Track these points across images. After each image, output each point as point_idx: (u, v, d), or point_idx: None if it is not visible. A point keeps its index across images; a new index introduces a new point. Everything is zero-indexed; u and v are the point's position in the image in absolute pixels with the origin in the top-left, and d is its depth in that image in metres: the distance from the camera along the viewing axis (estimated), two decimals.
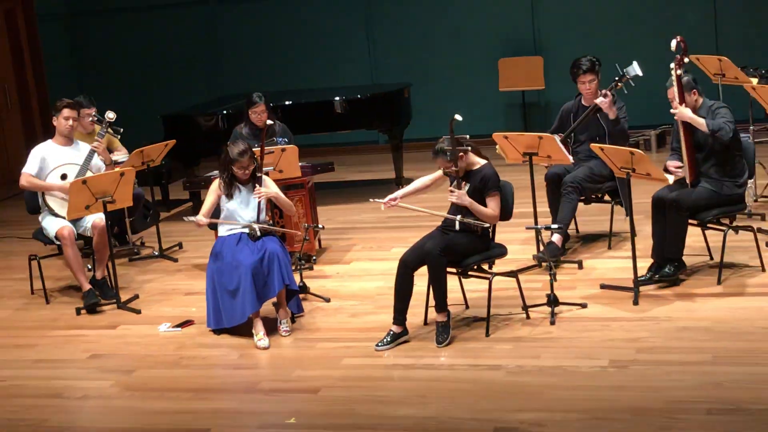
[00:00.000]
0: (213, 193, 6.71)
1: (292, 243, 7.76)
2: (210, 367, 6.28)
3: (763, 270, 6.80)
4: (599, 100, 7.35)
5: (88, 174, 7.51)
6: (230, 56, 12.98)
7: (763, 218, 7.88)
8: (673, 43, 6.79)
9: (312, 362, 6.11)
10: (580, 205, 7.59)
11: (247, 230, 6.58)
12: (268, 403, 5.63)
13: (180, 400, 5.75)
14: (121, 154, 8.67)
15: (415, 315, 6.36)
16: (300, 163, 7.99)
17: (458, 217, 6.21)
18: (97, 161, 7.75)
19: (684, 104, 6.66)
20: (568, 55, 11.22)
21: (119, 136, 8.73)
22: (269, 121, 7.55)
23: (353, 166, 11.66)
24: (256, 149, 6.96)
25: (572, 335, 6.10)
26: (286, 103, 10.00)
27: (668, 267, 6.71)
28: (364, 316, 6.79)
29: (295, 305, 6.76)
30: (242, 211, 6.67)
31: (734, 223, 6.86)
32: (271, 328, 6.57)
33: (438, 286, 6.11)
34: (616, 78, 7.41)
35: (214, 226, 6.88)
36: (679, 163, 6.73)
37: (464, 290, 6.71)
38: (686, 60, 6.79)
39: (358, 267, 7.92)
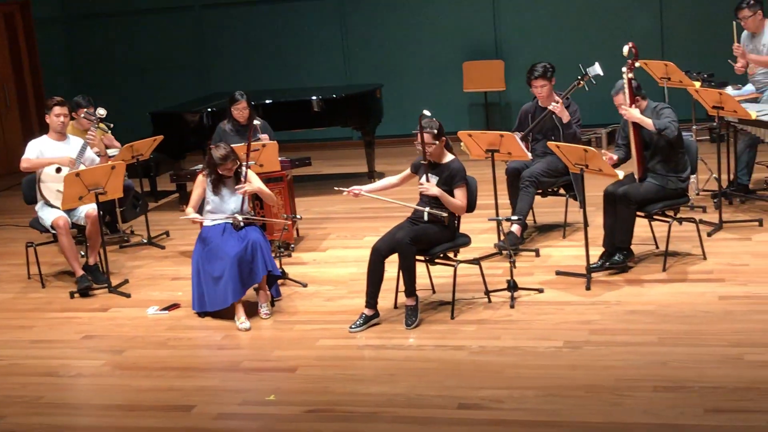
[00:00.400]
0: (199, 186, 6.64)
1: (272, 232, 7.69)
2: (195, 347, 6.22)
3: (705, 258, 6.81)
4: (552, 106, 7.34)
5: (81, 167, 7.42)
6: (215, 58, 12.87)
7: (704, 210, 7.89)
8: (626, 49, 6.79)
9: (290, 343, 6.06)
10: (537, 197, 7.59)
11: (230, 221, 6.52)
12: (249, 381, 5.58)
13: (167, 378, 5.68)
14: (114, 149, 8.60)
15: (385, 299, 6.32)
16: (279, 158, 7.93)
17: (426, 208, 6.17)
18: (90, 154, 7.65)
19: (633, 105, 6.66)
20: (527, 59, 11.24)
21: (109, 132, 8.65)
22: (256, 121, 7.49)
23: (329, 161, 11.59)
24: (240, 146, 6.91)
25: (530, 318, 6.08)
26: (267, 101, 9.91)
27: (618, 255, 6.72)
28: (339, 300, 6.74)
29: (274, 290, 6.71)
30: (227, 202, 6.60)
31: (678, 215, 6.87)
32: (252, 310, 6.51)
33: (408, 272, 6.07)
34: (579, 77, 7.39)
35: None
36: (610, 155, 6.72)
37: (431, 276, 6.67)
38: (637, 65, 6.80)
39: (333, 254, 7.87)
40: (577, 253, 7.08)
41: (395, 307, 6.42)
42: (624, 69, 6.67)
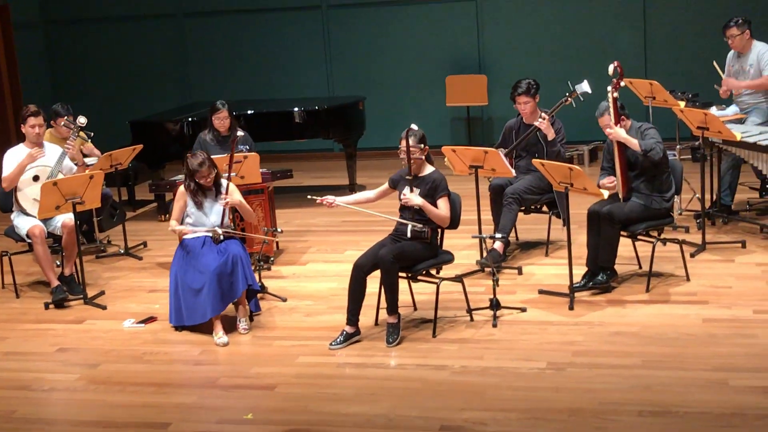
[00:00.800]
0: (180, 198, 6.53)
1: (252, 244, 7.59)
2: (171, 362, 6.10)
3: (688, 279, 6.76)
4: (538, 122, 7.30)
5: (59, 175, 7.30)
6: (197, 67, 12.75)
7: (687, 231, 7.86)
8: (611, 68, 6.76)
9: (269, 359, 5.95)
10: (520, 214, 7.52)
11: (210, 234, 6.41)
12: (227, 399, 5.45)
13: (142, 394, 5.56)
14: (93, 158, 8.47)
15: (366, 315, 6.22)
16: (261, 170, 7.84)
17: (410, 224, 6.09)
18: (68, 162, 7.53)
19: (618, 125, 6.62)
20: (510, 74, 11.26)
21: (90, 140, 8.53)
22: (240, 133, 7.39)
23: (309, 172, 11.49)
24: (222, 157, 6.81)
25: (513, 337, 6.01)
26: (249, 112, 9.82)
27: (601, 275, 6.67)
28: (318, 316, 6.64)
29: (253, 304, 6.61)
30: (208, 215, 6.50)
31: (662, 236, 6.82)
32: (230, 325, 6.40)
33: (390, 290, 5.98)
34: (567, 93, 7.35)
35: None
36: (611, 179, 6.67)
37: (413, 293, 6.59)
38: (622, 84, 6.76)
39: (313, 268, 7.77)
40: (560, 272, 7.02)
41: (376, 324, 6.33)
42: (609, 88, 6.63)
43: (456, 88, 11.70)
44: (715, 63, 8.32)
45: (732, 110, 8.20)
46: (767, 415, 4.76)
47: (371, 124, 10.81)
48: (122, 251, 8.41)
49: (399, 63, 12.14)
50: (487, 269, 7.09)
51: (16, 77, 12.73)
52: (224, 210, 6.51)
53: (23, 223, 7.24)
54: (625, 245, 6.83)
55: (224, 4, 12.53)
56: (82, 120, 7.65)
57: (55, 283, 7.19)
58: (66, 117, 8.03)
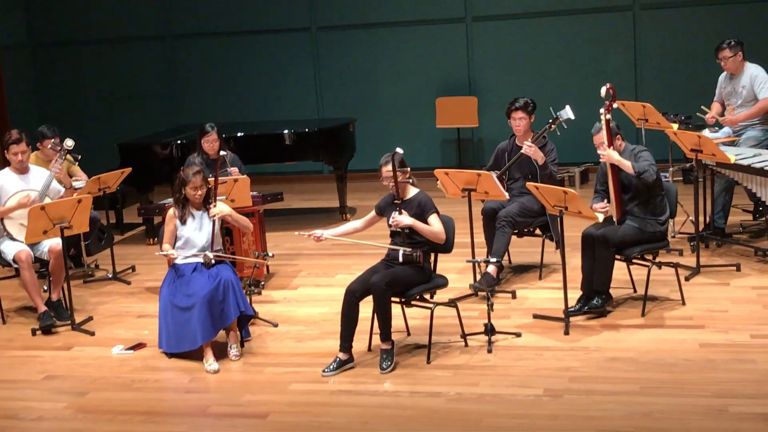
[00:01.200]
0: (170, 222, 6.44)
1: (242, 268, 7.50)
2: (161, 390, 5.99)
3: (683, 303, 6.70)
4: (524, 149, 7.25)
5: (47, 199, 7.20)
6: (186, 89, 12.68)
7: (681, 254, 7.81)
8: (603, 90, 6.72)
9: (261, 387, 5.85)
10: (513, 237, 7.46)
11: (201, 259, 6.32)
12: (218, 428, 5.35)
13: (132, 423, 5.45)
14: (80, 181, 8.37)
15: (359, 341, 6.14)
16: (251, 193, 7.76)
17: (401, 249, 6.02)
18: (55, 185, 7.44)
19: (612, 147, 6.57)
20: (500, 96, 11.27)
21: (77, 163, 8.44)
22: (222, 152, 7.32)
23: (299, 195, 11.42)
24: (210, 179, 6.72)
25: (508, 363, 5.93)
26: (239, 134, 9.74)
27: (596, 299, 6.60)
28: (311, 341, 6.55)
29: (244, 330, 6.51)
30: (197, 236, 6.41)
31: (657, 259, 6.77)
32: (221, 351, 6.30)
33: (383, 317, 5.90)
34: (550, 120, 7.32)
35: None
36: (604, 204, 6.62)
37: (406, 318, 6.50)
38: (614, 106, 6.72)
39: (305, 293, 7.68)
40: (554, 296, 6.96)
41: (369, 349, 6.24)
42: (602, 110, 6.59)
43: (446, 109, 11.67)
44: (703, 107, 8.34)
45: (724, 132, 8.18)
46: None
47: (361, 146, 10.75)
48: (110, 276, 8.30)
49: (389, 85, 12.11)
50: (481, 293, 7.02)
51: (2, 100, 12.62)
52: (213, 228, 6.42)
53: (9, 248, 7.13)
54: (619, 268, 6.77)
55: (213, 27, 12.47)
56: (69, 143, 7.56)
57: (43, 308, 7.09)
58: (53, 139, 7.94)
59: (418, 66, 11.98)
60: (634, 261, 6.76)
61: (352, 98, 12.18)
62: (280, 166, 10.75)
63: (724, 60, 8.04)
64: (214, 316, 6.15)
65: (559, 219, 6.42)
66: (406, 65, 12.01)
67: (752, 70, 8.02)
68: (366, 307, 6.05)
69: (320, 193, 11.49)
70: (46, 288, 7.49)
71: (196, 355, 6.23)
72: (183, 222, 6.39)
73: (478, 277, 7.23)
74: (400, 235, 6.09)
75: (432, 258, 6.22)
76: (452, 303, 6.36)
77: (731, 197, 8.11)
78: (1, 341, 6.96)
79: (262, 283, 7.82)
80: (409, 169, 6.15)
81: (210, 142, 8.08)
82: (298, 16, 12.22)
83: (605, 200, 6.70)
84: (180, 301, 6.23)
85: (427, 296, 6.21)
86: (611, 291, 6.65)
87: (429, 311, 6.10)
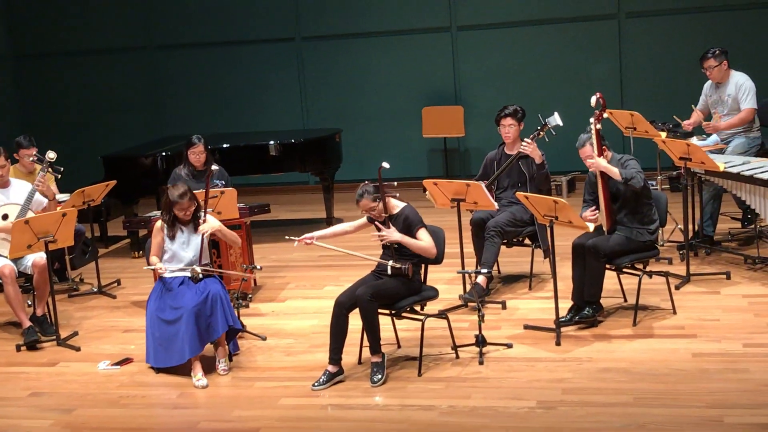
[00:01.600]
0: (157, 234, 6.36)
1: (229, 281, 7.42)
2: (149, 406, 5.89)
3: (674, 313, 6.67)
4: (522, 147, 7.22)
5: (30, 213, 7.10)
6: (170, 100, 12.60)
7: (670, 262, 7.79)
8: (593, 100, 6.70)
9: (250, 402, 5.76)
10: (502, 247, 7.41)
11: (189, 273, 6.24)
12: None
13: None
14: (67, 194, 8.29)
15: (349, 353, 6.07)
16: (238, 205, 7.68)
17: (390, 262, 5.95)
18: (38, 197, 7.34)
19: (601, 156, 6.54)
20: (486, 105, 11.26)
21: (60, 176, 8.32)
22: (214, 167, 7.25)
23: (285, 206, 11.34)
24: (199, 192, 6.66)
25: (500, 375, 5.87)
26: (224, 146, 9.67)
27: (587, 309, 6.56)
28: (300, 355, 6.47)
29: (232, 344, 6.43)
30: (185, 251, 6.33)
31: (647, 268, 6.73)
32: (209, 366, 6.22)
33: (371, 330, 5.83)
34: (539, 127, 7.29)
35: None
36: (592, 210, 6.59)
37: (396, 330, 6.44)
38: (604, 115, 6.69)
39: (293, 305, 7.60)
40: (544, 306, 6.92)
41: (359, 362, 6.17)
42: (591, 120, 6.56)
43: (432, 119, 11.63)
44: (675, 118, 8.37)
45: (713, 140, 8.17)
46: None
47: (347, 156, 10.69)
48: (95, 289, 8.20)
49: (374, 95, 12.06)
50: (471, 304, 6.97)
51: None
52: (202, 244, 6.34)
53: None
54: (609, 278, 6.73)
55: (196, 37, 12.39)
56: (51, 155, 7.46)
57: (27, 324, 6.98)
58: (29, 149, 7.84)
59: (404, 76, 11.95)
60: (624, 270, 6.73)
61: (337, 109, 12.12)
62: (265, 177, 10.67)
63: (709, 69, 8.03)
64: (201, 330, 6.07)
65: (549, 229, 6.38)
66: (392, 75, 11.97)
67: (738, 78, 8.02)
68: (356, 320, 5.98)
69: (307, 204, 11.42)
70: (30, 303, 7.38)
71: (184, 370, 6.14)
72: (172, 239, 6.31)
73: (468, 287, 7.18)
74: (391, 248, 6.03)
75: (422, 269, 6.16)
76: (443, 314, 6.30)
77: (719, 205, 8.09)
78: None
79: (250, 296, 7.74)
80: (386, 195, 6.04)
81: (196, 154, 8.01)
82: (282, 26, 12.17)
83: (594, 208, 6.67)
84: (167, 315, 6.15)
85: (417, 308, 6.14)
86: (602, 301, 6.61)
87: (418, 323, 6.04)
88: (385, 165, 5.99)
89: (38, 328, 7.04)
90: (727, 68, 8.03)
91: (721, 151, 8.01)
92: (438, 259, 6.17)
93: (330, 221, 10.06)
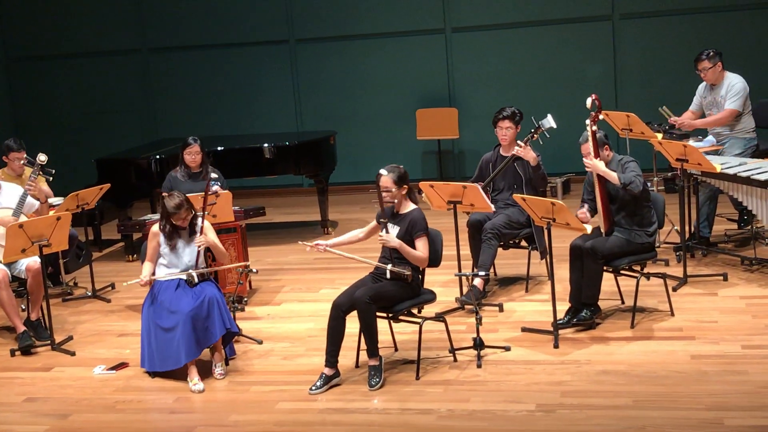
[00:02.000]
0: (153, 239, 6.32)
1: (225, 285, 7.38)
2: (145, 411, 5.85)
3: (672, 314, 6.65)
4: (515, 150, 7.20)
5: (22, 217, 7.05)
6: (163, 103, 12.55)
7: (667, 264, 7.77)
8: (589, 101, 6.67)
9: (247, 406, 5.72)
10: (499, 249, 7.38)
11: (185, 277, 6.20)
12: None
13: None
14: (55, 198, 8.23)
15: (346, 357, 6.04)
16: (233, 208, 7.65)
17: (389, 266, 5.93)
18: (30, 200, 7.29)
19: (598, 158, 6.52)
20: (480, 107, 11.24)
21: (51, 178, 8.27)
22: (214, 175, 7.21)
23: (279, 208, 11.30)
24: (194, 195, 6.62)
25: (498, 378, 5.84)
26: (219, 148, 9.63)
27: (585, 311, 6.53)
28: (296, 359, 6.43)
29: (228, 348, 6.39)
30: (182, 255, 6.29)
31: (645, 270, 6.71)
32: (206, 370, 6.17)
33: (369, 333, 5.80)
34: (532, 130, 7.27)
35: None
36: (584, 211, 6.57)
37: (393, 333, 6.41)
38: (600, 117, 6.67)
39: (288, 308, 7.57)
40: (541, 308, 6.89)
41: (357, 366, 6.14)
42: (588, 121, 6.54)
43: (427, 121, 11.60)
44: (661, 109, 8.35)
45: (709, 141, 8.15)
46: None
47: (341, 158, 10.65)
48: (90, 293, 8.15)
49: (369, 97, 12.03)
50: (468, 307, 6.94)
51: None
52: (199, 250, 6.31)
53: None
54: (607, 280, 6.71)
55: (190, 40, 12.35)
56: (42, 158, 7.40)
57: (21, 328, 6.93)
58: (18, 152, 7.79)
59: (398, 78, 11.92)
60: (622, 272, 6.70)
61: (331, 111, 12.09)
62: (260, 179, 10.63)
63: (703, 71, 8.01)
64: (198, 334, 6.03)
65: (546, 231, 6.36)
66: (386, 77, 11.95)
67: (731, 79, 8.00)
68: (353, 323, 5.95)
69: (301, 207, 11.38)
70: (24, 307, 7.33)
71: (180, 375, 6.10)
72: (173, 249, 6.26)
73: (465, 290, 7.15)
74: (389, 251, 6.00)
75: (419, 273, 6.13)
76: (440, 317, 6.28)
77: (716, 206, 8.08)
78: None
79: (245, 299, 7.70)
80: (405, 186, 6.04)
81: (192, 155, 7.99)
82: (276, 28, 12.13)
83: (585, 207, 6.66)
84: (163, 320, 6.10)
85: (414, 311, 6.11)
86: (599, 303, 6.59)
87: (416, 326, 6.01)
88: (383, 172, 5.98)
89: (32, 332, 6.99)
90: (722, 70, 8.02)
91: (717, 153, 8.00)
92: (435, 262, 6.14)
93: (325, 224, 10.02)
